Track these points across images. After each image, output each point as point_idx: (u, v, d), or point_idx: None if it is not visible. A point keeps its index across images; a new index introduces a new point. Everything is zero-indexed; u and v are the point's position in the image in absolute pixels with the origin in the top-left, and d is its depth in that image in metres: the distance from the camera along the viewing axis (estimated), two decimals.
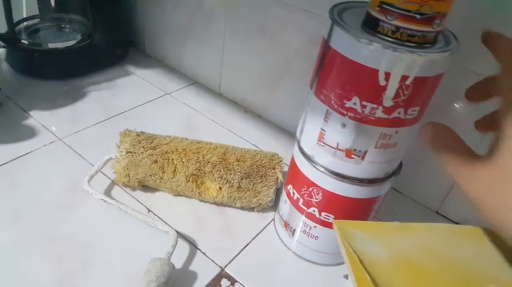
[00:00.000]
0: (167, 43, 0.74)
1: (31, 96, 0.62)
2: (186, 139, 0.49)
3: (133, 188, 0.48)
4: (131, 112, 0.63)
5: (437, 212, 0.52)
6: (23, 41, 0.68)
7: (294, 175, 0.40)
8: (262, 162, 0.47)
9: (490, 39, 0.27)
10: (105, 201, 0.44)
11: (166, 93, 0.69)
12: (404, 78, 0.29)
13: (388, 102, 0.31)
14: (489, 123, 0.30)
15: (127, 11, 0.77)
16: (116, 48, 0.75)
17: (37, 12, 0.74)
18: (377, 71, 0.29)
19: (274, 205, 0.48)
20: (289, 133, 0.63)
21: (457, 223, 0.51)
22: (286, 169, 0.46)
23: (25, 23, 0.72)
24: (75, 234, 0.42)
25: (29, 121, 0.57)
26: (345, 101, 0.32)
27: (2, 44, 0.63)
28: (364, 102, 0.31)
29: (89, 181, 0.45)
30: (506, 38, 0.26)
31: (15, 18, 0.65)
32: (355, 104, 0.32)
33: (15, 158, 0.50)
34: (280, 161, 0.48)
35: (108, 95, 0.66)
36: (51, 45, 0.70)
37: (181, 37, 0.71)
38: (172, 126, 0.60)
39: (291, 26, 0.54)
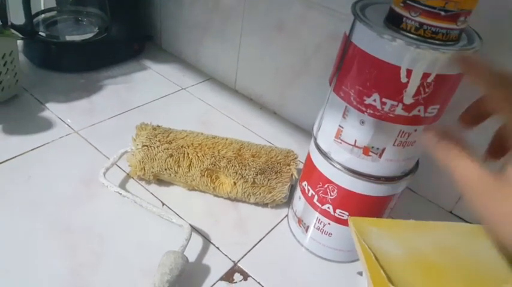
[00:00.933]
0: (184, 39, 0.75)
1: (48, 88, 0.63)
2: (202, 134, 0.49)
3: (148, 182, 0.48)
4: (147, 106, 0.63)
5: (451, 212, 0.51)
6: (40, 33, 0.69)
7: (310, 172, 0.40)
8: (278, 158, 0.47)
9: (466, 64, 0.27)
10: (120, 194, 0.44)
11: (182, 89, 0.69)
12: (426, 75, 0.29)
13: (408, 99, 0.30)
14: (475, 118, 0.30)
15: (145, 6, 0.78)
16: (133, 42, 0.75)
17: (54, 5, 0.75)
18: (399, 67, 0.29)
19: (288, 202, 0.48)
20: (305, 131, 0.62)
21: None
22: (300, 166, 0.46)
23: (43, 15, 0.72)
24: (90, 226, 0.42)
25: (46, 113, 0.57)
26: (365, 98, 0.32)
27: (20, 35, 0.63)
28: (384, 99, 0.31)
29: (104, 173, 0.46)
30: (482, 62, 0.26)
31: (33, 11, 0.66)
32: (375, 100, 0.32)
33: (31, 149, 0.51)
34: (296, 158, 0.48)
35: (124, 89, 0.66)
36: (68, 38, 0.70)
37: (199, 33, 0.71)
38: (187, 121, 0.60)
39: (310, 22, 0.54)
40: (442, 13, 0.27)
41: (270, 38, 0.60)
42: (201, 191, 0.48)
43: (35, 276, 0.37)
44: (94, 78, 0.67)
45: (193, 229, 0.43)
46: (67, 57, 0.69)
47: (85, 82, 0.66)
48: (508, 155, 0.24)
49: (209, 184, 0.46)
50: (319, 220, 0.41)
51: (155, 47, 0.80)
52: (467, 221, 0.50)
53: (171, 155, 0.46)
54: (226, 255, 0.42)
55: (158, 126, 0.50)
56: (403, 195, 0.40)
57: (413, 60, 0.28)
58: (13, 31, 0.59)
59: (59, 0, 0.75)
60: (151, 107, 0.63)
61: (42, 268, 0.38)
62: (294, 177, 0.46)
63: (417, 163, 0.39)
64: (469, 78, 0.27)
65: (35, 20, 0.69)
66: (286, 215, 0.48)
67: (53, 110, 0.58)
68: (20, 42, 0.69)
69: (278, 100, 0.65)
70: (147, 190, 0.48)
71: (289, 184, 0.46)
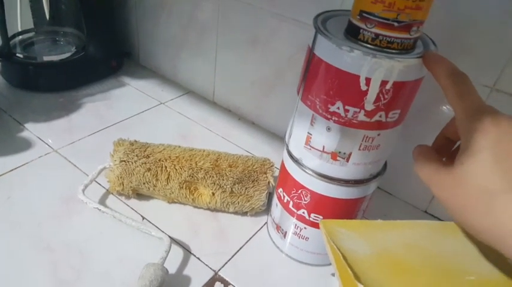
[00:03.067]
0: (161, 54, 0.76)
1: (26, 109, 0.63)
2: (179, 147, 0.50)
3: (128, 197, 0.49)
4: (126, 122, 0.64)
5: (425, 212, 0.53)
6: (17, 54, 0.69)
7: (284, 179, 0.42)
8: (254, 167, 0.48)
9: (429, 61, 0.30)
10: (100, 210, 0.45)
11: (161, 103, 0.70)
12: (384, 83, 0.31)
13: (369, 106, 0.32)
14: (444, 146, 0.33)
15: (121, 23, 0.79)
16: (111, 59, 0.76)
17: (31, 26, 0.75)
18: (358, 76, 0.31)
19: (267, 209, 0.49)
20: (282, 139, 0.64)
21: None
22: (277, 173, 0.47)
23: (20, 37, 0.73)
24: (70, 243, 0.43)
25: (25, 133, 0.58)
26: (329, 106, 0.33)
27: None
28: (347, 107, 0.33)
29: (83, 190, 0.46)
30: (443, 60, 0.29)
31: (10, 32, 0.67)
32: (338, 108, 0.33)
33: (10, 170, 0.51)
34: (272, 166, 0.49)
35: (103, 106, 0.67)
36: (46, 58, 0.71)
37: (175, 48, 0.72)
38: (167, 135, 0.62)
39: (282, 35, 0.56)
40: (396, 24, 0.29)
41: (245, 52, 0.62)
42: (180, 203, 0.49)
43: None
44: (73, 97, 0.68)
45: (174, 240, 0.44)
46: (45, 78, 0.69)
47: (64, 101, 0.67)
48: (457, 149, 0.27)
49: (188, 196, 0.47)
50: (296, 225, 0.42)
51: (133, 63, 0.81)
52: (441, 219, 0.52)
53: (149, 169, 0.46)
54: (206, 265, 0.42)
55: (135, 141, 0.50)
56: (379, 197, 0.42)
57: (371, 69, 0.30)
58: None
59: (36, 21, 0.76)
60: (131, 122, 0.64)
61: (24, 285, 0.38)
62: (271, 184, 0.47)
63: (385, 165, 0.40)
64: (431, 72, 0.29)
65: (12, 41, 0.70)
66: (266, 223, 0.49)
67: (32, 130, 0.59)
68: None
69: (255, 110, 0.66)
70: (127, 204, 0.48)
71: (266, 192, 0.47)
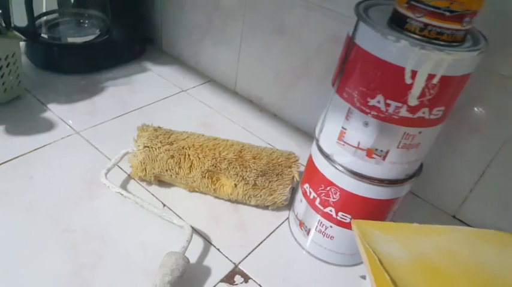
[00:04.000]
0: (184, 41, 0.74)
1: (49, 90, 0.63)
2: (203, 135, 0.49)
3: (149, 183, 0.48)
4: (148, 108, 0.63)
5: (454, 217, 0.51)
6: (42, 35, 0.69)
7: (312, 174, 0.40)
8: (279, 160, 0.46)
9: None
10: (122, 194, 0.44)
11: (183, 91, 0.69)
12: (430, 77, 0.29)
13: (413, 101, 0.30)
14: None
15: (146, 8, 0.78)
16: (134, 44, 0.75)
17: (56, 7, 0.75)
18: (403, 69, 0.29)
19: (289, 204, 0.47)
20: (305, 133, 0.62)
21: None
22: (302, 168, 0.45)
23: (45, 18, 0.72)
24: (91, 226, 0.42)
25: (47, 114, 0.57)
26: (369, 99, 0.32)
27: (23, 37, 0.63)
28: (388, 101, 0.31)
29: (106, 174, 0.45)
30: None
31: (35, 13, 0.66)
32: (379, 102, 0.31)
33: (33, 150, 0.50)
34: (297, 160, 0.47)
35: (125, 91, 0.66)
36: (70, 40, 0.70)
37: (199, 35, 0.71)
38: (188, 123, 0.60)
39: (311, 24, 0.54)
40: (447, 14, 0.27)
41: (271, 41, 0.60)
42: (201, 192, 0.48)
43: (35, 276, 0.37)
44: (95, 80, 0.67)
45: (194, 230, 0.43)
46: (69, 59, 0.69)
47: (86, 84, 0.66)
48: None
49: (210, 186, 0.46)
50: (321, 222, 0.40)
51: (156, 49, 0.80)
52: (470, 226, 0.50)
53: (172, 157, 0.45)
54: (227, 257, 0.41)
55: (159, 127, 0.49)
56: (406, 199, 0.40)
57: (418, 61, 0.28)
58: (16, 33, 0.59)
59: (61, 3, 0.75)
60: (152, 108, 0.63)
61: (43, 268, 0.38)
62: (295, 179, 0.46)
63: (421, 166, 0.38)
64: None
65: (37, 22, 0.69)
66: (287, 218, 0.47)
67: (55, 111, 0.58)
68: (22, 44, 0.69)
69: (278, 102, 0.65)
70: (148, 191, 0.47)
71: (290, 186, 0.46)
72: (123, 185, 0.48)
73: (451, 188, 0.50)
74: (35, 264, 0.38)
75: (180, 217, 0.44)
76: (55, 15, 0.74)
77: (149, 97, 0.65)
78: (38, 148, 0.51)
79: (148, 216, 0.43)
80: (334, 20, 0.51)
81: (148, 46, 0.79)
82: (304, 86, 0.59)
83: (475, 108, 0.45)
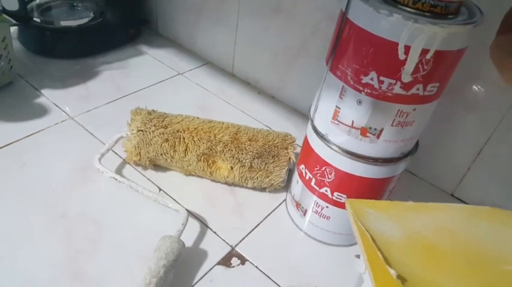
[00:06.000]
0: (180, 22, 0.73)
1: (43, 75, 0.62)
2: (198, 118, 0.48)
3: (145, 167, 0.48)
4: (143, 92, 0.62)
5: (452, 195, 0.51)
6: (34, 19, 0.68)
7: (307, 155, 0.40)
8: (275, 142, 0.46)
9: None
10: (116, 179, 0.43)
11: (179, 74, 0.68)
12: (424, 51, 0.28)
13: (407, 77, 0.29)
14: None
15: None
16: (129, 27, 0.74)
17: None
18: (396, 44, 0.28)
19: (286, 186, 0.47)
20: (303, 114, 0.62)
21: None
22: (298, 150, 0.45)
23: (37, 1, 0.71)
24: (86, 212, 0.42)
25: (41, 100, 0.57)
26: (362, 77, 0.31)
27: (14, 22, 0.62)
28: (381, 78, 0.30)
29: (99, 159, 0.45)
30: None
31: None
32: (372, 79, 0.31)
33: (26, 136, 0.50)
34: (293, 142, 0.47)
35: (120, 75, 0.65)
36: (63, 24, 0.69)
37: (194, 16, 0.70)
38: (184, 106, 0.60)
39: (307, 2, 0.53)
40: None
41: (267, 21, 0.59)
42: (198, 176, 0.48)
43: (30, 262, 0.37)
44: (90, 64, 0.66)
45: (190, 213, 0.43)
46: (62, 44, 0.68)
47: (80, 68, 0.65)
48: None
49: (206, 169, 0.45)
50: (317, 203, 0.40)
51: (151, 31, 0.79)
52: (468, 204, 0.50)
53: (167, 140, 0.45)
54: (223, 240, 0.41)
55: (153, 111, 0.49)
56: (403, 178, 0.40)
57: (411, 35, 0.27)
58: (6, 17, 0.58)
59: None
60: (148, 92, 0.62)
61: (38, 254, 0.38)
62: (291, 161, 0.46)
63: (417, 144, 0.38)
64: None
65: (28, 6, 0.68)
66: (285, 200, 0.47)
67: (49, 96, 0.58)
68: (14, 29, 0.68)
69: (276, 84, 0.64)
70: (143, 175, 0.47)
71: (286, 168, 0.45)
72: (118, 170, 0.47)
73: (448, 167, 0.49)
74: (30, 251, 0.38)
75: (176, 201, 0.44)
76: None
77: (145, 81, 0.64)
78: (32, 134, 0.50)
79: (144, 200, 0.43)
80: None
81: (143, 29, 0.78)
82: (302, 66, 0.58)
83: (472, 85, 0.44)
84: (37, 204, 0.42)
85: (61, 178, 0.45)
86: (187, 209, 0.41)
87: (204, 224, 0.43)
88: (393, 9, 0.28)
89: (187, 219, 0.40)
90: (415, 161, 0.50)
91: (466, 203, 0.50)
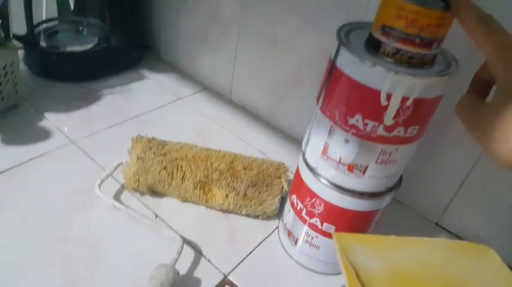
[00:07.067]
0: (182, 49, 0.76)
1: (47, 98, 0.64)
2: (196, 146, 0.50)
3: (143, 193, 0.50)
4: (144, 116, 0.64)
5: (437, 224, 0.53)
6: (41, 43, 0.70)
7: (299, 186, 0.42)
8: (269, 171, 0.48)
9: (456, 7, 0.28)
10: (115, 206, 0.45)
11: (179, 99, 0.70)
12: (404, 99, 0.30)
13: (388, 121, 0.32)
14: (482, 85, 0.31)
15: (144, 16, 0.79)
16: (132, 52, 0.76)
17: (56, 15, 0.76)
18: (379, 91, 0.30)
19: (279, 213, 0.49)
20: (297, 141, 0.64)
21: (457, 235, 0.51)
22: (292, 176, 0.47)
23: (44, 25, 0.74)
24: (84, 237, 0.44)
25: (44, 123, 0.59)
26: (348, 118, 0.33)
27: (21, 45, 0.65)
28: (366, 120, 0.32)
29: (99, 185, 0.47)
30: (470, 4, 0.27)
31: (35, 20, 0.68)
32: (357, 121, 0.33)
33: (29, 160, 0.52)
34: (286, 171, 0.49)
35: (122, 99, 0.68)
36: (68, 49, 0.72)
37: (196, 44, 0.72)
38: (182, 132, 0.62)
39: (303, 37, 0.56)
40: (417, 40, 0.29)
41: (265, 51, 0.61)
42: (194, 203, 0.49)
43: (30, 285, 0.38)
44: (93, 88, 0.69)
45: (185, 241, 0.44)
46: (67, 67, 0.70)
47: (84, 92, 0.68)
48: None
49: (202, 196, 0.47)
50: (308, 233, 0.42)
51: (154, 56, 0.81)
52: (452, 233, 0.52)
53: (165, 168, 0.47)
54: (217, 268, 0.43)
55: (153, 138, 0.51)
56: (390, 206, 0.41)
57: (392, 85, 0.30)
58: (14, 41, 0.60)
59: (61, 11, 0.77)
60: (148, 117, 0.65)
61: (38, 277, 0.39)
62: (284, 189, 0.47)
63: (400, 179, 0.40)
64: (458, 19, 0.28)
65: (36, 29, 0.71)
66: (277, 227, 0.49)
67: (51, 119, 0.60)
68: (20, 52, 0.70)
69: (272, 111, 0.66)
70: (141, 201, 0.49)
71: (279, 197, 0.47)
72: (117, 195, 0.49)
73: (433, 197, 0.51)
74: (30, 274, 0.39)
75: (171, 228, 0.46)
76: (54, 23, 0.76)
77: (146, 105, 0.67)
78: (34, 158, 0.52)
79: (141, 227, 0.45)
80: (324, 35, 0.53)
81: (146, 53, 0.80)
82: (297, 95, 0.61)
83: (455, 119, 0.46)
84: (38, 228, 0.44)
85: (62, 203, 0.47)
86: (182, 237, 0.43)
87: (198, 252, 0.44)
88: (376, 59, 0.30)
89: (182, 247, 0.41)
90: (402, 190, 0.52)
91: (450, 232, 0.52)
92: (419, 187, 0.52)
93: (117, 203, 0.46)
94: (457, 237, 0.51)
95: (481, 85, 0.30)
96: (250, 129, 0.65)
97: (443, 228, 0.52)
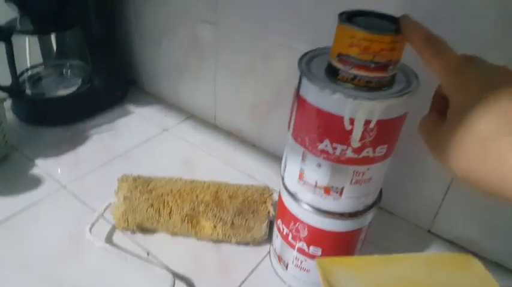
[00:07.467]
0: (164, 80, 0.77)
1: (36, 144, 0.65)
2: (181, 179, 0.51)
3: (133, 232, 0.50)
4: (131, 152, 0.65)
5: (429, 231, 0.53)
6: (26, 91, 0.72)
7: (282, 211, 0.42)
8: (254, 197, 0.48)
9: (405, 29, 0.29)
10: (106, 249, 0.46)
11: (165, 130, 0.71)
12: (367, 122, 0.31)
13: (355, 143, 0.32)
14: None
15: (124, 53, 0.81)
16: (116, 89, 0.78)
17: (40, 60, 0.77)
18: (342, 117, 0.31)
19: (270, 237, 0.49)
20: None
21: (449, 241, 0.51)
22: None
23: (29, 72, 0.75)
24: (79, 282, 0.44)
25: (35, 170, 0.60)
26: (318, 144, 0.34)
27: (7, 98, 0.66)
28: (334, 145, 0.33)
29: (90, 228, 0.48)
30: (419, 25, 0.28)
31: (20, 68, 0.69)
32: (326, 146, 0.33)
33: (21, 210, 0.53)
34: (271, 195, 0.49)
35: (109, 137, 0.69)
36: (53, 94, 0.73)
37: (177, 74, 0.74)
38: (170, 163, 0.63)
39: (277, 59, 0.57)
40: (372, 65, 0.30)
41: (242, 76, 0.63)
42: (184, 235, 0.50)
43: None
44: (80, 129, 0.70)
45: (178, 276, 0.45)
46: (54, 112, 0.71)
47: (71, 134, 0.69)
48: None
49: (190, 229, 0.48)
50: (296, 257, 0.42)
51: (138, 90, 0.83)
52: (445, 239, 0.52)
53: (152, 205, 0.48)
54: None
55: (139, 176, 0.52)
56: (382, 218, 0.42)
57: (353, 110, 0.30)
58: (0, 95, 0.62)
59: (45, 55, 0.78)
60: (136, 152, 0.65)
61: None
62: (271, 214, 0.48)
63: (380, 194, 0.40)
64: (407, 40, 0.29)
65: (21, 78, 0.72)
66: (269, 252, 0.49)
67: (42, 166, 0.61)
68: (7, 102, 0.72)
69: (256, 133, 0.67)
70: (132, 239, 0.50)
71: (266, 222, 0.48)
72: (109, 236, 0.50)
73: (422, 204, 0.52)
74: None
75: (163, 264, 0.46)
76: (38, 69, 0.77)
77: (132, 140, 0.68)
78: (27, 207, 0.53)
79: (133, 267, 0.45)
80: (298, 56, 0.53)
81: (130, 88, 0.82)
82: (278, 116, 0.62)
83: None
84: (34, 276, 0.44)
85: (56, 249, 0.48)
86: (174, 272, 0.43)
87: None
88: (335, 86, 0.31)
89: (174, 284, 0.42)
90: (390, 200, 0.53)
91: (442, 238, 0.52)
92: (407, 197, 0.53)
93: (108, 246, 0.46)
94: (450, 242, 0.52)
95: (441, 102, 0.30)
96: (237, 153, 0.66)
97: (436, 234, 0.52)
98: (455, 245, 0.51)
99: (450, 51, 0.27)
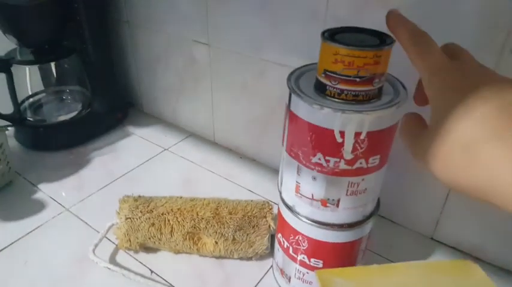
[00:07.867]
0: (162, 101, 0.79)
1: (40, 169, 0.66)
2: (181, 198, 0.52)
3: (136, 251, 0.51)
4: (132, 173, 0.66)
5: (432, 238, 0.53)
6: (28, 118, 0.73)
7: (282, 225, 0.43)
8: (254, 212, 0.49)
9: (391, 24, 0.29)
10: (109, 269, 0.46)
11: (165, 149, 0.72)
12: (358, 134, 0.32)
13: (348, 155, 0.33)
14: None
15: (122, 77, 0.82)
16: (116, 112, 0.79)
17: (41, 87, 0.79)
18: (332, 130, 0.32)
19: (272, 251, 0.50)
20: None
21: (452, 247, 0.51)
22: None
23: (30, 100, 0.77)
24: None
25: (38, 195, 0.61)
26: (311, 157, 0.35)
27: (9, 127, 0.67)
28: (327, 157, 0.34)
29: (93, 250, 0.48)
30: (405, 22, 0.28)
31: (21, 96, 0.71)
32: (319, 159, 0.34)
33: (26, 234, 0.53)
34: (271, 209, 0.50)
35: (110, 159, 0.70)
36: (54, 119, 0.74)
37: (174, 94, 0.75)
38: (171, 182, 0.64)
39: (270, 77, 0.58)
40: (357, 79, 0.31)
41: (237, 94, 0.64)
42: (186, 253, 0.50)
43: None
44: (81, 153, 0.71)
45: None
46: (56, 138, 0.73)
47: (73, 158, 0.70)
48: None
49: (192, 247, 0.48)
50: (298, 270, 0.43)
51: (137, 111, 0.84)
52: (448, 246, 0.52)
53: (153, 224, 0.48)
54: None
55: (140, 196, 0.52)
56: (384, 227, 0.42)
57: (342, 123, 0.31)
58: (2, 124, 0.63)
59: (45, 83, 0.80)
60: (137, 172, 0.66)
61: None
62: (271, 228, 0.48)
63: (378, 203, 0.41)
64: (394, 35, 0.29)
65: (22, 106, 0.74)
66: (271, 266, 0.50)
67: (45, 190, 0.62)
68: (10, 129, 0.73)
69: (255, 148, 0.68)
70: (135, 259, 0.50)
71: (267, 236, 0.48)
72: (112, 257, 0.50)
73: (423, 211, 0.52)
74: None
75: (167, 282, 0.46)
76: (39, 96, 0.79)
77: (133, 162, 0.69)
78: (31, 231, 0.54)
79: (137, 286, 0.46)
80: (288, 72, 0.55)
81: (130, 110, 0.83)
82: (274, 130, 0.63)
83: None
84: None
85: (61, 272, 0.48)
86: None
87: None
88: (324, 101, 0.32)
89: None
90: (392, 209, 0.53)
91: (446, 244, 0.52)
92: (408, 204, 0.53)
93: (111, 266, 0.47)
94: (453, 248, 0.52)
95: (424, 96, 0.29)
96: (237, 169, 0.67)
97: (439, 241, 0.52)
98: (459, 251, 0.51)
99: (434, 52, 0.26)
